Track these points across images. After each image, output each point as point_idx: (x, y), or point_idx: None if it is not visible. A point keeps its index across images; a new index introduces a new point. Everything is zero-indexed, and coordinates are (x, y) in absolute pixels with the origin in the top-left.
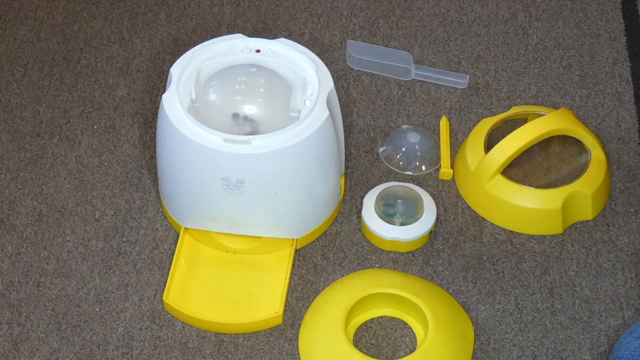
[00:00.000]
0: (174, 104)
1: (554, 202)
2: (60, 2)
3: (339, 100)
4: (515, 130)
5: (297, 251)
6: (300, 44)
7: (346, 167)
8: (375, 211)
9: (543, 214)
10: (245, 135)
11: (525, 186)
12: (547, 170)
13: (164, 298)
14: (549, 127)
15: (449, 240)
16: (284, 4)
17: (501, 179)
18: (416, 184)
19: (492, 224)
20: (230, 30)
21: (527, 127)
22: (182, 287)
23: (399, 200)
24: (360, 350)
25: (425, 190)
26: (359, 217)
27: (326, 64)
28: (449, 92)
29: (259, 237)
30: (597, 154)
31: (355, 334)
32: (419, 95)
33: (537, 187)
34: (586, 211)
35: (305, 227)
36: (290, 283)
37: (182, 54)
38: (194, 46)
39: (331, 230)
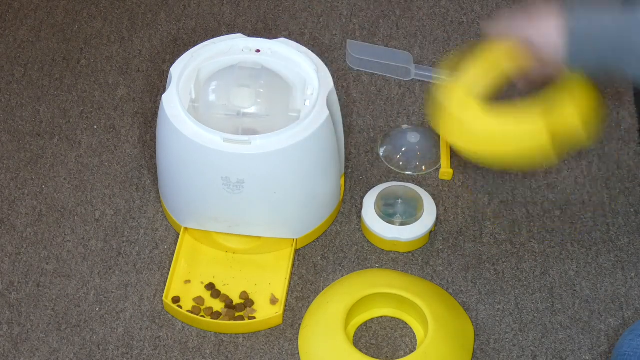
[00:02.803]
0: (174, 104)
1: (539, 122)
2: (60, 2)
3: (339, 100)
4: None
5: (297, 251)
6: (300, 44)
7: (346, 167)
8: (375, 211)
9: (528, 134)
10: (245, 135)
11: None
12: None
13: (164, 298)
14: None
15: (449, 240)
16: (284, 4)
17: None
18: (416, 184)
19: (492, 224)
20: (230, 30)
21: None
22: (182, 287)
23: (399, 200)
24: (360, 350)
25: (425, 190)
26: (359, 217)
27: (326, 64)
28: None
29: (259, 237)
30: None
31: (355, 334)
32: (419, 95)
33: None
34: (577, 131)
35: (305, 227)
36: (290, 283)
37: (182, 54)
38: (194, 46)
39: (331, 230)
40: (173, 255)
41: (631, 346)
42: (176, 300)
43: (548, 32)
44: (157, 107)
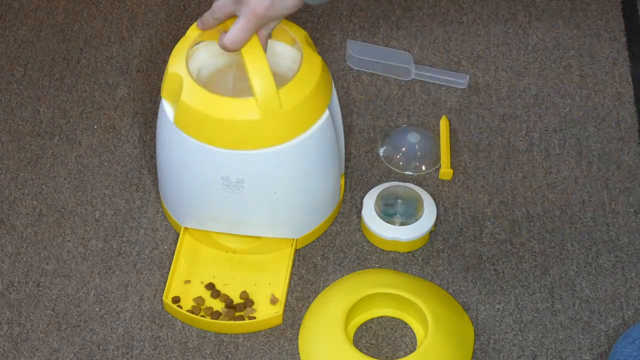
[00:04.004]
0: None
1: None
2: (60, 2)
3: (339, 100)
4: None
5: (297, 251)
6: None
7: (346, 167)
8: (375, 211)
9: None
10: None
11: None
12: None
13: (163, 298)
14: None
15: (449, 240)
16: None
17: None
18: (416, 184)
19: (492, 224)
20: None
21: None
22: (182, 287)
23: (399, 200)
24: (360, 350)
25: (425, 190)
26: (359, 217)
27: (326, 64)
28: (449, 92)
29: (259, 237)
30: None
31: (355, 334)
32: (419, 95)
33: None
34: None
35: (305, 227)
36: (290, 283)
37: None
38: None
39: (331, 230)
40: (173, 255)
41: (623, 353)
42: (176, 300)
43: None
44: (157, 107)
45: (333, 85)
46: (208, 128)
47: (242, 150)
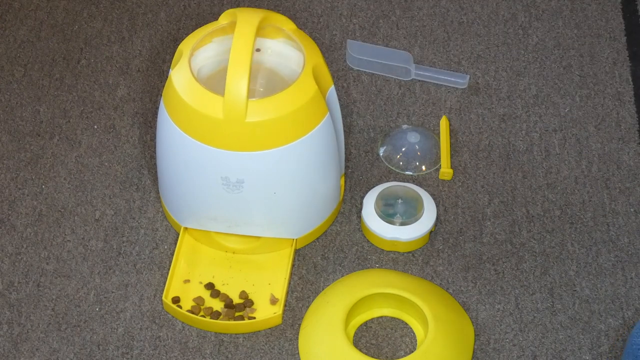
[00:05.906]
0: None
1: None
2: (60, 2)
3: (339, 100)
4: (231, 58)
5: (297, 251)
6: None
7: (346, 167)
8: (375, 211)
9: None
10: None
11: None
12: None
13: (163, 298)
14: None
15: (449, 240)
16: (284, 4)
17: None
18: (416, 184)
19: (492, 224)
20: None
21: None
22: (181, 287)
23: (399, 200)
24: (360, 350)
25: (425, 190)
26: (359, 217)
27: (326, 64)
28: (449, 92)
29: (259, 237)
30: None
31: (355, 334)
32: (419, 95)
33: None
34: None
35: (305, 227)
36: (290, 283)
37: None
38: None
39: (331, 230)
40: (173, 255)
41: None
42: (176, 300)
43: None
44: (157, 107)
45: (333, 85)
46: (180, 111)
47: (238, 151)
